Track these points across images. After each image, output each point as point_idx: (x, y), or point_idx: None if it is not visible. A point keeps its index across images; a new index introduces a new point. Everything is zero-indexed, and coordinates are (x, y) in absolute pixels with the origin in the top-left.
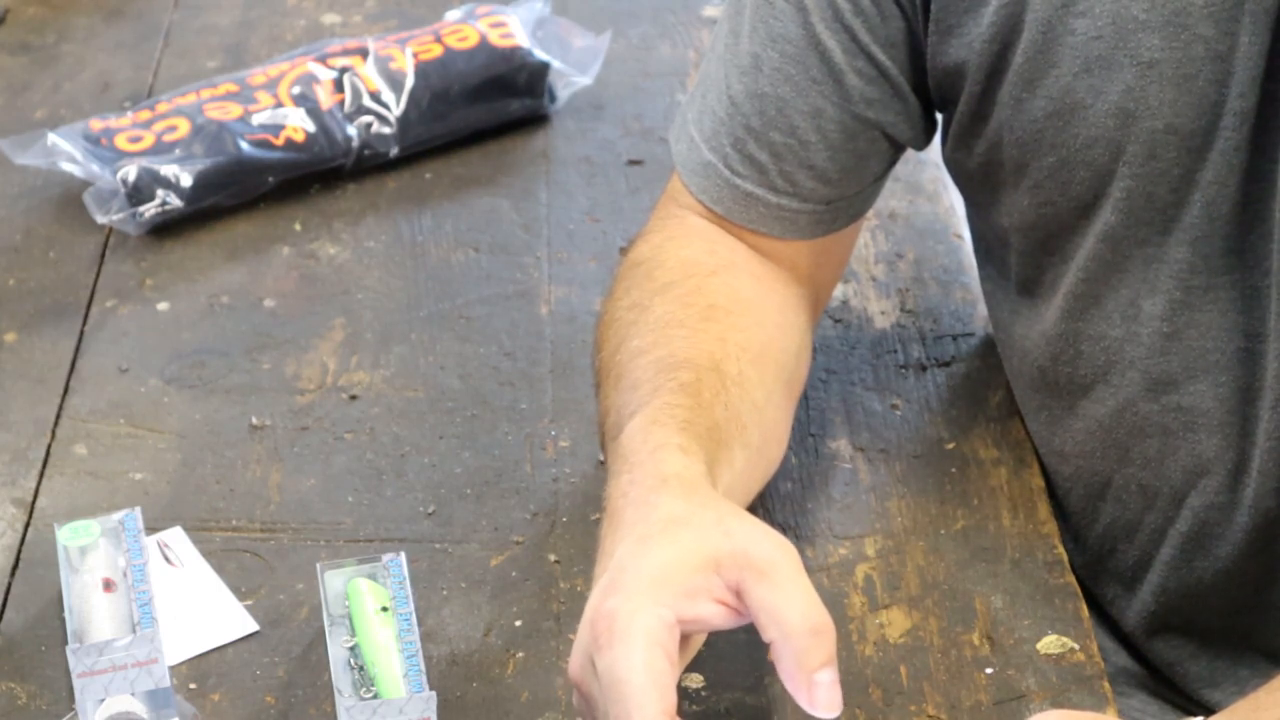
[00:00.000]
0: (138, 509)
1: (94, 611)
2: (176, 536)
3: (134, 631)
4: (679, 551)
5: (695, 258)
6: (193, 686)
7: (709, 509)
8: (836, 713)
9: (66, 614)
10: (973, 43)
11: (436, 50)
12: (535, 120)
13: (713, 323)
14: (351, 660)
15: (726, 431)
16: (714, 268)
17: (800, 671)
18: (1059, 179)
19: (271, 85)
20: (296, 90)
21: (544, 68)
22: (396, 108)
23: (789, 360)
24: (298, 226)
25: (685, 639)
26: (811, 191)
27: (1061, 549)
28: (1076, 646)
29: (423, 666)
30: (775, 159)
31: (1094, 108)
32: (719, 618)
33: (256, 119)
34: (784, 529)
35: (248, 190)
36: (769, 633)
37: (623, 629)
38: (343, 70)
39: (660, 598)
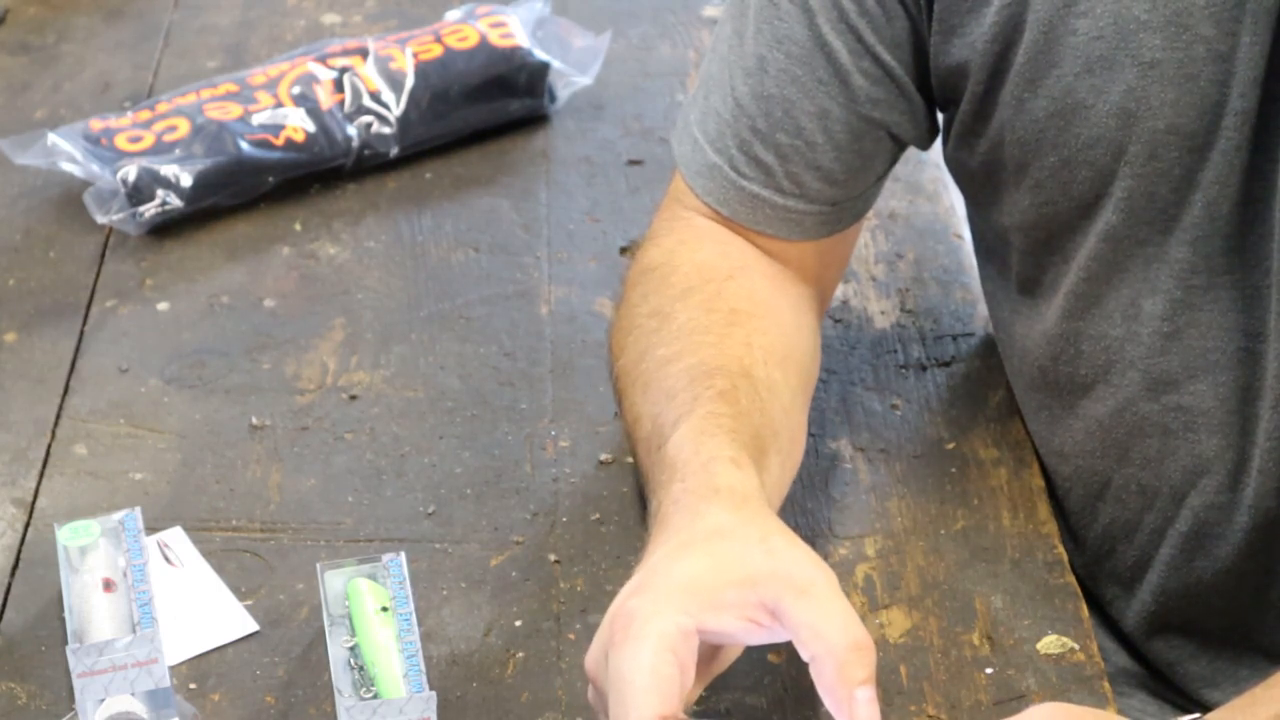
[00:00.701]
0: (138, 509)
1: (94, 611)
2: (176, 536)
3: (134, 631)
4: (715, 563)
5: (710, 261)
6: (193, 686)
7: (754, 524)
8: None
9: (66, 614)
10: (975, 43)
11: (436, 50)
12: (535, 120)
13: (737, 328)
14: (351, 660)
15: (763, 438)
16: (729, 271)
17: (842, 686)
18: (1060, 179)
19: (271, 85)
20: (296, 90)
21: (544, 68)
22: (396, 108)
23: (806, 361)
24: (298, 226)
25: (714, 652)
26: (818, 193)
27: (1061, 549)
28: (1076, 646)
29: (423, 666)
30: (781, 160)
31: (1095, 108)
32: (744, 633)
33: (256, 119)
34: None
35: (248, 190)
36: (811, 648)
37: (638, 629)
38: (343, 70)
39: (684, 605)
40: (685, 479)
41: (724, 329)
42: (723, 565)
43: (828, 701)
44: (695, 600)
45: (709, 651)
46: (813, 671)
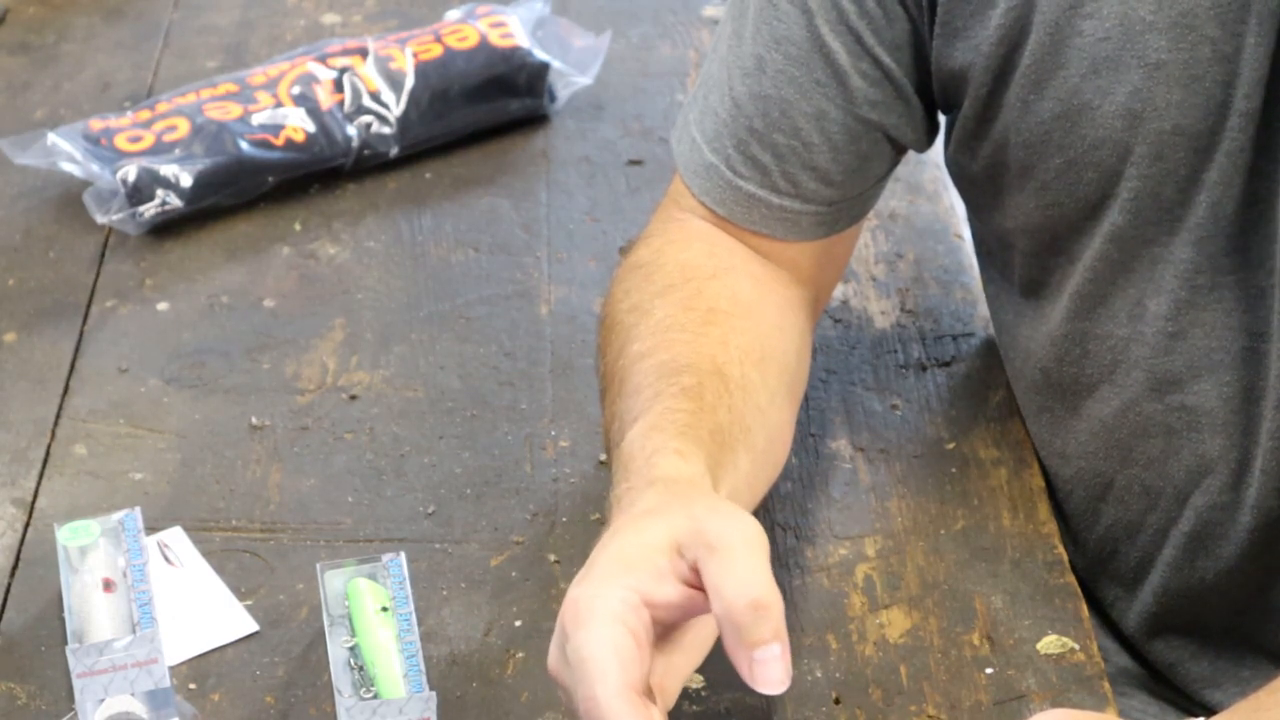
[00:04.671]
0: (138, 509)
1: (94, 611)
2: (176, 536)
3: (134, 631)
4: (643, 538)
5: (694, 261)
6: (193, 686)
7: (684, 499)
8: (779, 690)
9: (66, 614)
10: (979, 45)
11: (436, 50)
12: (535, 120)
13: (714, 326)
14: (351, 660)
15: (730, 434)
16: (713, 271)
17: (740, 647)
18: (1066, 180)
19: (271, 85)
20: (296, 90)
21: (544, 68)
22: (396, 108)
23: (790, 362)
24: (298, 226)
25: (681, 634)
26: (814, 193)
27: (1061, 549)
28: (1076, 646)
29: (423, 666)
30: (778, 160)
31: (1101, 109)
32: (693, 602)
33: (256, 119)
34: (784, 529)
35: (248, 190)
36: (712, 606)
37: (585, 614)
38: (343, 70)
39: (624, 580)
40: (629, 477)
41: (700, 327)
42: (650, 538)
43: (731, 659)
44: (633, 573)
45: (682, 632)
46: (720, 632)
